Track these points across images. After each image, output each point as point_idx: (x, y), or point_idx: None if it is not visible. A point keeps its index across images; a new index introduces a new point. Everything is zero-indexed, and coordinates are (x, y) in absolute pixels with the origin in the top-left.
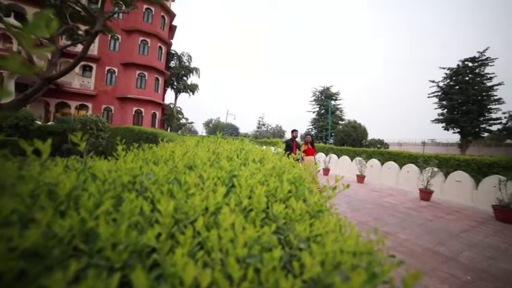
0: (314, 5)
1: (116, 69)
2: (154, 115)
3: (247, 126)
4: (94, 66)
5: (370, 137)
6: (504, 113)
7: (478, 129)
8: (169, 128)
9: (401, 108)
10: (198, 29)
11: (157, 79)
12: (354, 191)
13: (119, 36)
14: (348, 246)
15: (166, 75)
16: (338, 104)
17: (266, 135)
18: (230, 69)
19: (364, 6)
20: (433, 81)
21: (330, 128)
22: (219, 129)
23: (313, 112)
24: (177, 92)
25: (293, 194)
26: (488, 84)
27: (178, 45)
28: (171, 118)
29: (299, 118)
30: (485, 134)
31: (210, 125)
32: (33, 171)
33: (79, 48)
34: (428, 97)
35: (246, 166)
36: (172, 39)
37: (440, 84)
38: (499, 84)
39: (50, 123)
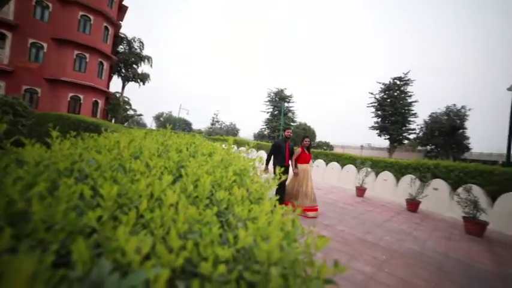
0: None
1: (45, 44)
2: (96, 104)
3: (201, 122)
4: (9, 35)
5: (318, 139)
6: (418, 125)
7: (402, 137)
8: (113, 120)
9: (350, 114)
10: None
11: (101, 63)
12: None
13: (49, 5)
14: (276, 222)
15: (112, 61)
16: (291, 106)
17: (220, 133)
18: (190, 65)
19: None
20: (371, 93)
21: (282, 128)
22: (170, 123)
23: (267, 112)
24: (125, 80)
25: (237, 183)
26: (409, 100)
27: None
28: (116, 108)
29: (256, 118)
30: (406, 141)
31: (161, 118)
32: None
33: None
34: (367, 106)
35: (195, 158)
36: (121, 20)
37: (377, 96)
38: (415, 101)
39: None
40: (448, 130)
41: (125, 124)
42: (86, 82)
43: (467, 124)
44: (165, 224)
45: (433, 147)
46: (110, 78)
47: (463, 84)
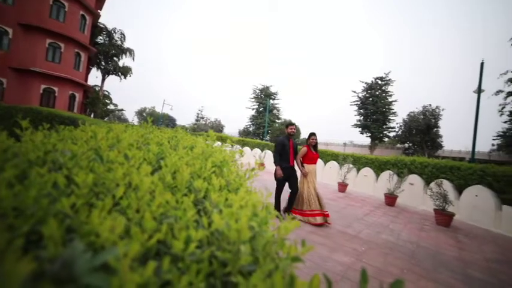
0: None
1: (10, 30)
2: (72, 97)
3: (186, 119)
4: None
5: (302, 136)
6: (397, 123)
7: (382, 135)
8: (92, 114)
9: (336, 113)
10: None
11: (78, 54)
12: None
13: None
14: (249, 206)
15: (91, 52)
16: (276, 104)
17: (204, 129)
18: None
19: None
20: (354, 92)
21: (267, 125)
22: (153, 118)
23: (253, 109)
24: (105, 73)
25: (217, 174)
26: (390, 99)
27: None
28: (95, 102)
29: (242, 115)
30: (386, 139)
31: (144, 114)
32: None
33: None
34: (350, 105)
35: (176, 151)
36: (101, 9)
37: (360, 95)
38: (395, 101)
39: None
40: (424, 129)
41: (105, 119)
42: (61, 74)
43: (440, 123)
44: (140, 209)
45: (410, 144)
46: (88, 70)
47: (439, 85)
